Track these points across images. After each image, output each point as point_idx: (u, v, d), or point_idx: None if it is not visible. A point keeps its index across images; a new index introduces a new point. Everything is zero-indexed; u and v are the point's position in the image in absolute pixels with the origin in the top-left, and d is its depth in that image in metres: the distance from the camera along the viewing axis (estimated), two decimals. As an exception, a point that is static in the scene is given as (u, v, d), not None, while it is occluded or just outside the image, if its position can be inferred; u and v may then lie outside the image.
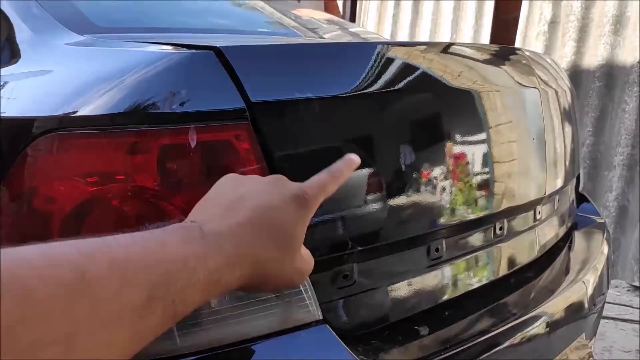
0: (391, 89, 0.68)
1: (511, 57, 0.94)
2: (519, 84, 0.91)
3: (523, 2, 2.64)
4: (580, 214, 1.30)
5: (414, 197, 0.70)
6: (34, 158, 0.53)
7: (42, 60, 0.72)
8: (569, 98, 1.13)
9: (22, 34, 0.79)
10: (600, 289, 1.05)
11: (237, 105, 0.55)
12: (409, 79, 0.71)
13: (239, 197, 0.46)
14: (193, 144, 0.53)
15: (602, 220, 1.31)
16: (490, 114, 0.82)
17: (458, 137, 0.76)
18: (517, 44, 2.79)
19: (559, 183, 1.05)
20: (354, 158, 0.53)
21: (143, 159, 0.52)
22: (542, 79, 0.98)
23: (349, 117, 0.64)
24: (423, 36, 3.43)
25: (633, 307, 2.34)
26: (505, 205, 0.86)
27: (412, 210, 0.71)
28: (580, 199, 1.37)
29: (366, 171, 0.65)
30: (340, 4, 3.97)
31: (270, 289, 0.52)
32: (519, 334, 0.78)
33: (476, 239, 0.85)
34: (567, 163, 1.10)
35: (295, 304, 0.57)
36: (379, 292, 0.69)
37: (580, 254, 1.11)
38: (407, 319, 0.72)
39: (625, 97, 2.58)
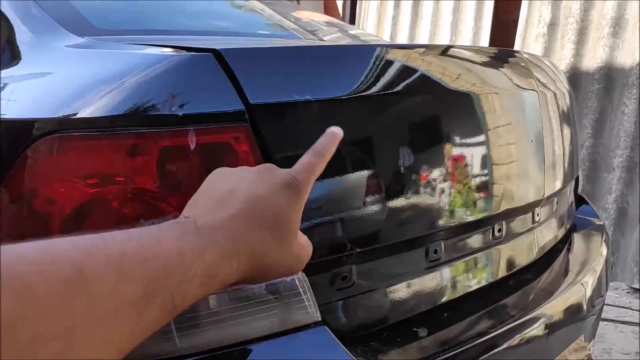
0: (390, 91, 0.68)
1: (509, 59, 0.94)
2: (518, 86, 0.91)
3: (522, 4, 2.65)
4: (579, 216, 1.30)
5: (413, 199, 0.70)
6: (34, 160, 0.54)
7: (42, 62, 0.72)
8: (567, 100, 1.14)
9: (22, 35, 0.79)
10: (599, 291, 1.05)
11: (236, 107, 0.55)
12: (408, 81, 0.72)
13: (229, 190, 0.46)
14: (192, 146, 0.53)
15: (600, 222, 1.31)
16: (489, 117, 0.82)
17: (457, 139, 0.77)
18: (517, 46, 2.79)
19: (558, 185, 1.05)
20: (336, 131, 0.52)
21: (143, 160, 0.52)
22: (540, 82, 0.98)
23: (348, 120, 0.64)
24: (423, 38, 3.44)
25: (632, 309, 2.34)
26: (503, 207, 0.86)
27: (411, 212, 0.71)
28: (579, 201, 1.38)
29: (365, 173, 0.65)
30: (340, 5, 3.98)
31: (270, 278, 0.51)
32: (517, 336, 0.78)
33: (475, 240, 0.85)
34: (566, 165, 1.10)
35: (294, 306, 0.58)
36: (378, 293, 0.70)
37: (579, 255, 1.11)
38: (406, 320, 0.72)
39: (624, 99, 2.59)
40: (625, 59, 2.60)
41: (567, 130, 1.11)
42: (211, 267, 0.41)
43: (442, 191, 0.74)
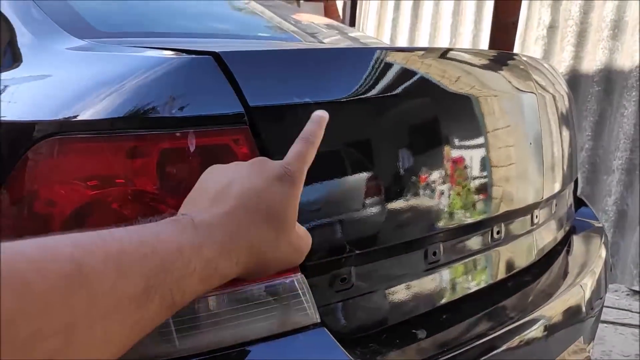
0: (390, 93, 0.69)
1: (508, 62, 0.95)
2: (517, 88, 0.91)
3: (522, 6, 2.65)
4: (578, 218, 1.31)
5: (412, 201, 0.71)
6: (34, 162, 0.54)
7: (43, 65, 0.73)
8: (566, 103, 1.14)
9: (23, 38, 0.80)
10: (598, 293, 1.05)
11: (235, 109, 0.55)
12: (407, 84, 0.72)
13: (223, 186, 0.46)
14: (192, 148, 0.53)
15: (600, 225, 1.31)
16: (488, 119, 0.82)
17: (456, 142, 0.77)
18: (516, 49, 2.80)
19: (557, 187, 1.05)
20: (321, 114, 0.52)
21: (143, 163, 0.52)
22: (539, 84, 0.99)
23: (348, 122, 0.65)
24: (422, 40, 3.44)
25: (632, 312, 2.34)
26: (502, 209, 0.86)
27: (410, 214, 0.71)
28: (579, 203, 1.38)
29: (365, 175, 0.65)
30: (340, 7, 3.99)
31: (271, 272, 0.51)
32: (516, 338, 0.78)
33: (474, 242, 0.85)
34: (565, 167, 1.10)
35: (293, 307, 0.58)
36: (377, 295, 0.70)
37: (578, 257, 1.11)
38: (405, 322, 0.72)
39: (623, 101, 2.59)
40: (625, 61, 2.60)
41: (565, 133, 1.12)
42: (210, 262, 0.41)
43: (441, 193, 0.75)
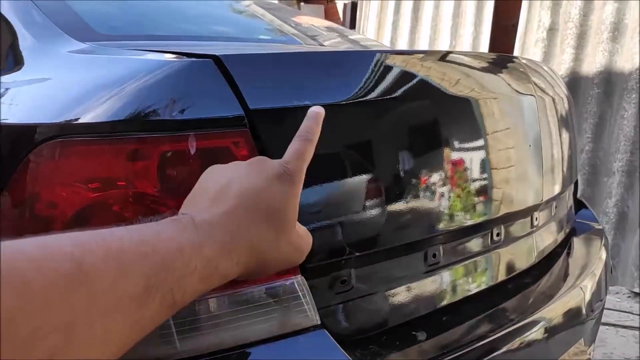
0: (389, 96, 0.69)
1: (508, 65, 0.95)
2: (516, 91, 0.92)
3: (522, 8, 2.66)
4: (578, 220, 1.31)
5: (412, 203, 0.71)
6: (36, 164, 0.54)
7: (45, 68, 0.73)
8: (565, 105, 1.14)
9: (24, 41, 0.80)
10: (598, 295, 1.05)
11: (235, 112, 0.55)
12: (407, 86, 0.72)
13: (223, 186, 0.47)
14: (193, 151, 0.53)
15: (600, 227, 1.31)
16: (488, 121, 0.83)
17: (455, 144, 0.77)
18: (516, 51, 2.80)
19: (556, 189, 1.05)
20: (317, 110, 0.52)
21: (143, 165, 0.53)
22: (538, 87, 0.99)
23: (348, 125, 0.65)
24: (423, 42, 3.45)
25: (633, 314, 2.34)
26: (502, 211, 0.86)
27: (410, 216, 0.71)
28: (579, 205, 1.38)
29: (365, 177, 0.65)
30: (340, 10, 3.99)
31: (272, 271, 0.51)
32: (517, 340, 0.78)
33: (473, 244, 0.85)
34: (565, 169, 1.10)
35: (293, 309, 0.58)
36: (377, 297, 0.70)
37: (578, 259, 1.11)
38: (405, 324, 0.72)
39: (623, 103, 2.59)
40: (625, 63, 2.60)
41: (565, 135, 1.12)
42: (211, 262, 0.41)
43: (441, 195, 0.75)
